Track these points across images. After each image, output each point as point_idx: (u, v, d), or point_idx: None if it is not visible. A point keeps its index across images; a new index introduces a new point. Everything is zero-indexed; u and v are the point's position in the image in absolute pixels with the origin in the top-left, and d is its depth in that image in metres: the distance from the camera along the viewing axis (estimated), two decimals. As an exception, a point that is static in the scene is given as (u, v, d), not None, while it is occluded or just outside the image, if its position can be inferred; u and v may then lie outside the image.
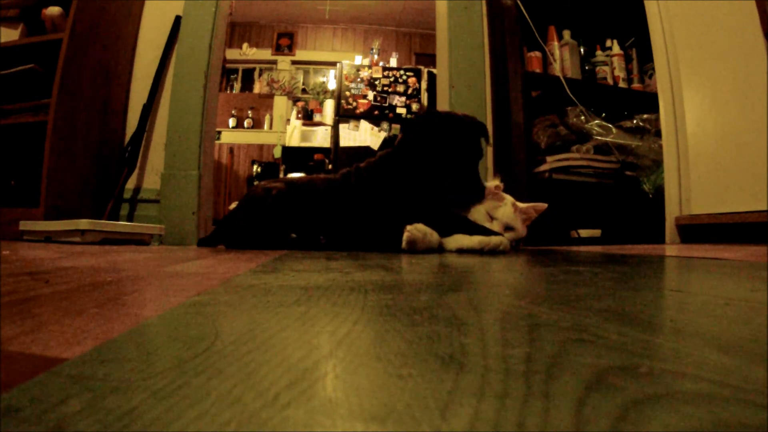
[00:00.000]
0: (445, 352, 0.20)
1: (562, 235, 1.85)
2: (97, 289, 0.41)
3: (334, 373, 0.18)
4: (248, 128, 6.07)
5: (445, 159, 1.13)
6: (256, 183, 1.34)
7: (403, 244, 1.03)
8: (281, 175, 6.26)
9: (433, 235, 1.06)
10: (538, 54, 2.06)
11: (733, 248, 1.05)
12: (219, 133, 6.10)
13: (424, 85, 5.65)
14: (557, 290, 0.41)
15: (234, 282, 0.47)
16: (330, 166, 6.17)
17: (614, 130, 1.85)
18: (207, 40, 2.00)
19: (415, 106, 5.84)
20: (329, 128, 6.02)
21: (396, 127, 5.93)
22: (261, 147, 6.47)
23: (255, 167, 6.22)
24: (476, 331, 0.24)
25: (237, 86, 6.12)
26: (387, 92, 5.64)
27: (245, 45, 6.04)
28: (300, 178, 1.34)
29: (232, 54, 6.02)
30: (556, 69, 1.99)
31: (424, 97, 5.62)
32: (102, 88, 1.81)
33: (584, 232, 1.87)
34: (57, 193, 1.52)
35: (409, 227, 1.03)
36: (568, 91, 1.92)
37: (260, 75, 6.16)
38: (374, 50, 5.76)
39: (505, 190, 1.33)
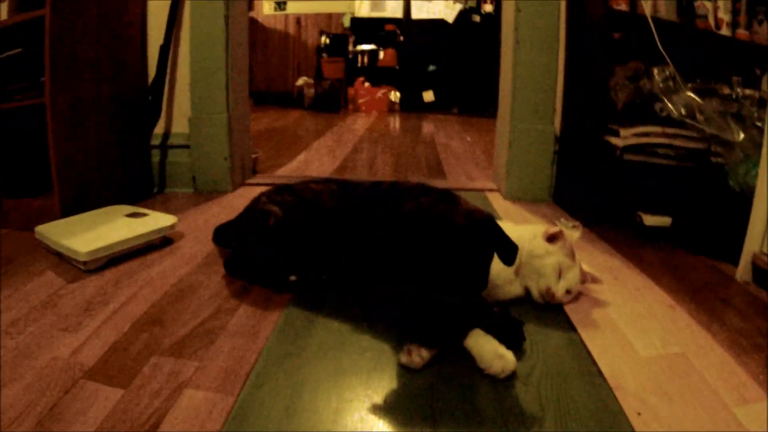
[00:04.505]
0: None
1: (627, 217, 1.57)
2: None
3: None
4: (316, -4, 5.59)
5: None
6: (260, 194, 1.19)
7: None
8: (350, 48, 5.84)
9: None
10: (627, -16, 1.53)
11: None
12: (284, 2, 5.72)
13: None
14: None
15: None
16: (401, 38, 5.64)
17: (706, 107, 1.40)
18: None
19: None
20: (401, -2, 5.39)
21: (475, -3, 5.15)
22: (330, 16, 6.04)
23: (323, 38, 5.86)
24: None
25: (302, -54, 5.47)
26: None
27: None
28: (313, 190, 1.09)
29: None
30: (646, 8, 1.48)
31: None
32: (111, 42, 1.63)
33: (651, 220, 1.58)
34: (72, 177, 1.46)
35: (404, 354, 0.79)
36: (657, 40, 1.45)
37: (326, -69, 5.42)
38: None
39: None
